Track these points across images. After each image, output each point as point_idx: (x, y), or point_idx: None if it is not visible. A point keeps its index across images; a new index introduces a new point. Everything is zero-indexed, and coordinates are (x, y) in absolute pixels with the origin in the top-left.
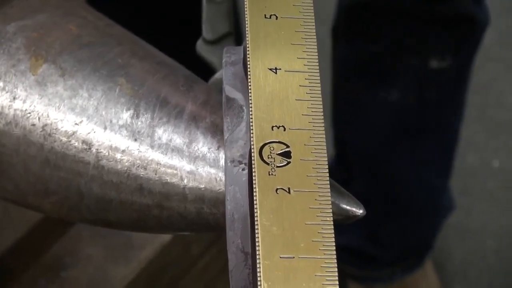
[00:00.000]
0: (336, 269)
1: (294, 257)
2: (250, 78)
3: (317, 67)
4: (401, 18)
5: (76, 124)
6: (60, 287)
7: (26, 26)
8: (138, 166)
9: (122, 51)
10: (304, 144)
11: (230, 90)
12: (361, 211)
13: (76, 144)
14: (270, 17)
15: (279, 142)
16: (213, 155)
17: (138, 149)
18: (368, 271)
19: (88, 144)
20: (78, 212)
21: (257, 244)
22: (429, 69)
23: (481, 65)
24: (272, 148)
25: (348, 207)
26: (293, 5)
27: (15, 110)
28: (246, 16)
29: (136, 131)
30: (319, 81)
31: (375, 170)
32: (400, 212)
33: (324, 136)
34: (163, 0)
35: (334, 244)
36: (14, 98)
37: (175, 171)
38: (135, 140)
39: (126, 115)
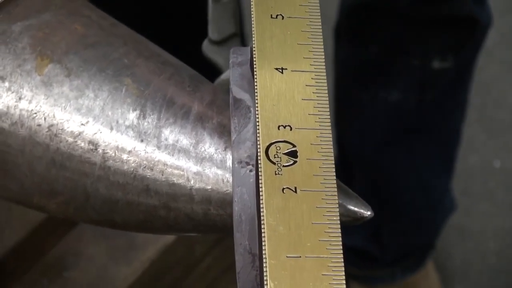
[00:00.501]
0: (343, 269)
1: (300, 257)
2: (256, 78)
3: (324, 67)
4: (403, 19)
5: (82, 124)
6: (62, 287)
7: (31, 26)
8: (144, 167)
9: (127, 51)
10: (311, 144)
11: (237, 91)
12: (369, 213)
13: (82, 144)
14: (276, 17)
15: (285, 141)
16: (220, 156)
17: (144, 149)
18: (369, 271)
19: (94, 144)
20: (84, 213)
21: (263, 243)
22: (431, 70)
23: (482, 65)
24: (278, 148)
25: (356, 209)
26: (299, 5)
27: (20, 110)
28: (252, 16)
29: (143, 132)
30: (325, 81)
31: (376, 171)
32: (401, 212)
33: (331, 136)
34: (169, 0)
35: (341, 243)
36: (20, 98)
37: (181, 172)
38: (142, 140)
39: (132, 116)
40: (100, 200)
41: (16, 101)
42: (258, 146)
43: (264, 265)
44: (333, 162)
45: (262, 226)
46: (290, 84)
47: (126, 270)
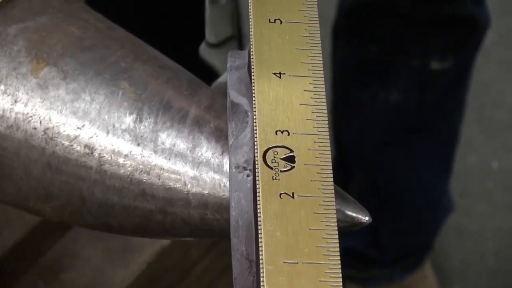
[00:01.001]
0: (341, 275)
1: (298, 262)
2: (254, 82)
3: (322, 72)
4: (402, 19)
5: (78, 128)
6: None
7: (27, 28)
8: (141, 171)
9: (125, 54)
10: (308, 149)
11: (235, 95)
12: (366, 218)
13: (78, 148)
14: (274, 22)
15: (283, 146)
16: (217, 160)
17: (141, 153)
18: (367, 272)
19: (90, 148)
20: (80, 217)
21: (260, 249)
22: (430, 70)
23: (481, 66)
24: (276, 153)
25: (354, 214)
26: (298, 9)
27: (16, 113)
28: (250, 20)
29: (139, 136)
30: (323, 86)
31: (375, 171)
32: (401, 212)
33: (329, 141)
34: (166, 3)
35: (338, 249)
36: (16, 102)
37: (178, 177)
38: (138, 144)
39: (129, 120)
40: (96, 204)
41: (11, 104)
42: (256, 151)
43: (261, 271)
44: (330, 167)
45: (259, 232)
46: (288, 89)
47: (122, 273)
